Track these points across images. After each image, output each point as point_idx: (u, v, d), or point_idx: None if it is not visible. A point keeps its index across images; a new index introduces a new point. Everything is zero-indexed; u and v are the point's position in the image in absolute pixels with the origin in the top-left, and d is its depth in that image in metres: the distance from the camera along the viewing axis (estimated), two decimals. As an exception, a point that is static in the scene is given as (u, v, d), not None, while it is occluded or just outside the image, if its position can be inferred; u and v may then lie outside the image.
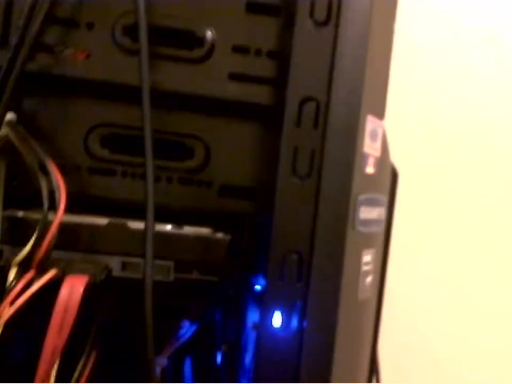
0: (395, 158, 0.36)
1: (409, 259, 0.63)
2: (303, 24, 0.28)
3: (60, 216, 0.28)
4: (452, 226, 0.64)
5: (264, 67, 0.31)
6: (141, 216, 0.30)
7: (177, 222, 0.32)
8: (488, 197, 0.64)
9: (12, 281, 0.28)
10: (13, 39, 0.29)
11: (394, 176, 0.35)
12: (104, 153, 0.32)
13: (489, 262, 0.65)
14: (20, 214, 0.30)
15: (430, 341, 0.64)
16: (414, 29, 0.61)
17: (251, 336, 0.33)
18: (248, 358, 0.34)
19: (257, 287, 0.33)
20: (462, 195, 0.63)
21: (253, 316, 0.33)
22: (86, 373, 0.30)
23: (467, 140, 0.63)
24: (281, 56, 0.30)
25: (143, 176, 0.31)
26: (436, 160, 0.63)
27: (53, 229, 0.28)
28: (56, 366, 0.27)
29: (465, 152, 0.63)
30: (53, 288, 0.28)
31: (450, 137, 0.63)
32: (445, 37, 0.62)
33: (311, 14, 0.28)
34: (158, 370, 0.35)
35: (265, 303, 0.29)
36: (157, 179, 0.32)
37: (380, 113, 0.31)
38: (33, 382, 0.26)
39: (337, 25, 0.28)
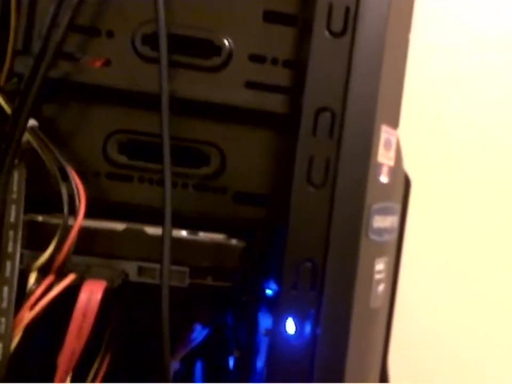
0: (408, 165, 0.36)
1: (422, 265, 0.63)
2: (320, 34, 0.28)
3: (79, 222, 0.29)
4: (465, 233, 0.63)
5: (281, 76, 0.31)
6: (157, 221, 0.31)
7: (193, 228, 0.33)
8: (502, 204, 0.64)
9: (32, 285, 0.28)
10: (36, 47, 0.30)
11: (407, 184, 0.35)
12: (122, 159, 0.33)
13: (505, 269, 0.64)
14: (40, 218, 0.31)
15: (442, 348, 0.64)
16: (429, 35, 0.61)
17: (263, 342, 0.34)
18: (260, 364, 0.34)
19: (269, 292, 0.33)
20: (475, 203, 0.63)
21: (265, 322, 0.33)
22: (100, 375, 0.31)
23: (481, 148, 0.63)
24: (298, 65, 0.31)
25: (160, 182, 0.32)
26: (449, 168, 0.63)
27: (73, 234, 0.29)
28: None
29: (479, 160, 0.63)
30: (71, 292, 0.29)
31: (464, 144, 0.63)
32: (460, 42, 0.62)
33: (328, 25, 0.28)
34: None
35: (278, 310, 0.29)
36: (173, 185, 0.32)
37: (394, 122, 0.31)
38: (52, 385, 0.27)
39: (353, 36, 0.28)
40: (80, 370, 0.30)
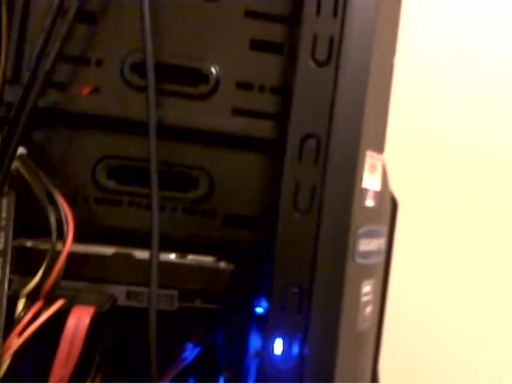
0: (395, 186, 0.37)
1: (411, 283, 0.63)
2: (305, 63, 0.29)
3: (67, 248, 0.29)
4: (453, 250, 0.64)
5: (267, 102, 0.32)
6: (146, 245, 0.31)
7: (182, 251, 0.33)
8: (491, 224, 0.64)
9: (21, 312, 0.28)
10: (25, 77, 0.30)
11: (394, 205, 0.36)
12: (111, 184, 0.33)
13: (494, 286, 0.65)
14: (29, 244, 0.31)
15: (434, 360, 0.64)
16: (412, 52, 0.62)
17: (253, 363, 0.34)
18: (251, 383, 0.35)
19: (260, 310, 0.33)
20: (463, 221, 0.64)
21: (255, 342, 0.34)
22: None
23: (470, 166, 0.64)
24: (284, 92, 0.31)
25: (149, 207, 0.32)
26: (437, 187, 0.63)
27: (61, 260, 0.29)
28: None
29: (467, 179, 0.64)
30: (60, 317, 0.29)
31: (452, 163, 0.64)
32: (445, 55, 0.63)
33: (313, 54, 0.29)
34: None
35: (267, 332, 0.30)
36: (161, 209, 0.33)
37: (379, 147, 0.32)
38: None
39: (337, 65, 0.29)
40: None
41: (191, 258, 0.33)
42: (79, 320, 0.28)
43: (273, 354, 0.30)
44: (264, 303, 0.32)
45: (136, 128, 0.31)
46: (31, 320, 0.28)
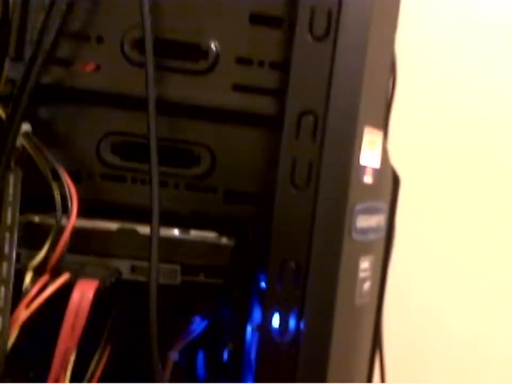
0: (398, 162, 0.36)
1: (414, 261, 0.63)
2: (302, 37, 0.29)
3: (72, 223, 0.30)
4: (457, 228, 0.64)
5: (267, 78, 0.32)
6: (150, 221, 0.32)
7: (185, 227, 0.34)
8: (493, 200, 0.64)
9: (28, 284, 0.29)
10: (27, 53, 0.31)
11: (396, 181, 0.36)
12: (116, 160, 0.33)
13: (494, 262, 0.65)
14: (36, 219, 0.32)
15: (436, 341, 0.65)
16: (420, 27, 0.61)
17: (255, 336, 0.35)
18: (253, 356, 0.35)
19: (263, 285, 0.34)
20: (466, 198, 0.63)
21: (257, 316, 0.34)
22: (98, 372, 0.32)
23: (473, 142, 0.63)
24: (284, 67, 0.31)
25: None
26: (440, 163, 0.63)
27: (66, 235, 0.30)
28: (70, 367, 0.29)
29: (471, 155, 0.63)
30: (66, 290, 0.30)
31: (456, 140, 0.63)
32: (452, 33, 0.61)
33: (310, 28, 0.29)
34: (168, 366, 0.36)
35: (265, 307, 0.30)
36: (164, 185, 0.33)
37: (378, 123, 0.31)
38: (46, 383, 0.28)
39: (335, 39, 0.28)
40: (79, 368, 0.31)
41: (193, 233, 0.33)
42: (84, 292, 0.29)
43: (271, 328, 0.30)
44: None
45: (139, 104, 0.32)
46: (38, 292, 0.29)
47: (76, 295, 0.29)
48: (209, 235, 0.33)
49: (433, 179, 0.63)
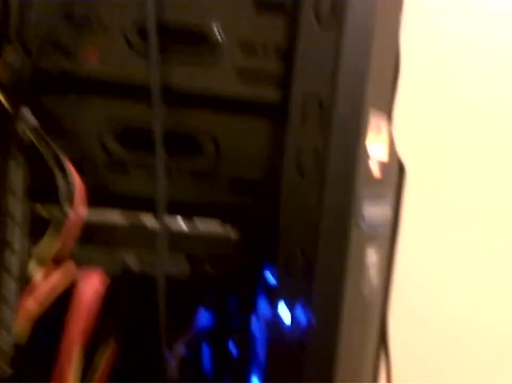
0: (403, 152, 0.36)
1: (420, 255, 0.63)
2: (308, 22, 0.28)
3: (77, 213, 0.30)
4: (463, 219, 0.63)
5: (272, 64, 0.31)
6: (155, 211, 0.31)
7: (189, 216, 0.33)
8: (499, 192, 0.63)
9: (34, 274, 0.29)
10: (28, 39, 0.30)
11: (401, 170, 0.35)
12: (120, 150, 0.33)
13: (500, 259, 0.64)
14: (42, 209, 0.32)
15: (442, 329, 0.64)
16: (425, 14, 0.60)
17: (262, 326, 0.34)
18: (260, 348, 0.35)
19: (270, 275, 0.34)
20: (473, 189, 0.63)
21: (264, 306, 0.34)
22: (105, 363, 0.32)
23: (480, 133, 0.62)
24: (289, 52, 0.31)
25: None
26: (445, 154, 0.62)
27: (70, 225, 0.30)
28: (78, 357, 0.28)
29: (475, 146, 0.63)
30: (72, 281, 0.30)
31: (463, 130, 0.62)
32: (461, 23, 0.61)
33: (316, 13, 0.28)
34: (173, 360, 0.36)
35: (273, 296, 0.30)
36: (169, 174, 0.33)
37: (385, 108, 0.31)
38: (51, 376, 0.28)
39: (341, 24, 0.28)
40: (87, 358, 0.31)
41: (199, 223, 0.33)
42: (90, 282, 0.29)
43: (280, 317, 0.30)
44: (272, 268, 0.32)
45: (144, 94, 0.31)
46: (44, 282, 0.29)
47: (81, 285, 0.29)
48: (215, 226, 0.33)
49: (439, 169, 0.62)
